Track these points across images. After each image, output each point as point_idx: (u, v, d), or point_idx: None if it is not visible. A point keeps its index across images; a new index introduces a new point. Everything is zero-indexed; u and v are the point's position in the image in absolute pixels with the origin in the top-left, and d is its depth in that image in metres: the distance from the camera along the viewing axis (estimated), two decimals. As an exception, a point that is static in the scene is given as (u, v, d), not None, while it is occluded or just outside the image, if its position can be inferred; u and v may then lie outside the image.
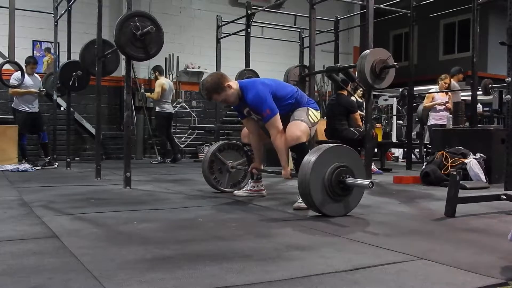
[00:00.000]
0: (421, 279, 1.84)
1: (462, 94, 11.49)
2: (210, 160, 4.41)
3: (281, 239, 2.54)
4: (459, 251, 2.32)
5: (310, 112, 3.83)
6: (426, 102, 8.50)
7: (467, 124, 7.41)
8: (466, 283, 1.81)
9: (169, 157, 9.02)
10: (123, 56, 4.99)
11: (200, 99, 11.02)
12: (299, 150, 3.65)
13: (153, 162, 8.98)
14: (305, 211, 3.36)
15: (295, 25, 10.01)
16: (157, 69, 8.94)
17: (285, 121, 3.77)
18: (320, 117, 4.02)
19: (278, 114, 3.69)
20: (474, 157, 5.37)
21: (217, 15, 8.96)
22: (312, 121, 3.82)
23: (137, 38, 4.62)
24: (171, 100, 9.13)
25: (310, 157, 3.15)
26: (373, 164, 6.17)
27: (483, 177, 5.24)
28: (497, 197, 3.43)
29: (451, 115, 7.72)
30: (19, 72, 6.91)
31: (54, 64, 8.01)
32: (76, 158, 9.54)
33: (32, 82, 7.59)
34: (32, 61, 7.66)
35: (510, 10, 4.66)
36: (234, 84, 3.80)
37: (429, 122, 8.32)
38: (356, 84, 6.77)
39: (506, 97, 4.74)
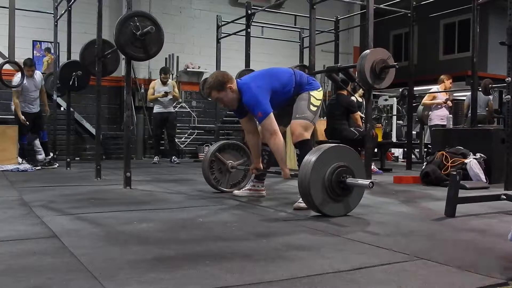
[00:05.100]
0: (421, 279, 1.84)
1: (459, 94, 11.54)
2: (210, 160, 4.41)
3: (281, 239, 2.54)
4: (459, 251, 2.32)
5: (311, 99, 3.83)
6: (426, 99, 8.51)
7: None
8: (466, 283, 1.80)
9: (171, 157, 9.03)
10: (123, 56, 4.99)
11: (200, 99, 11.02)
12: (302, 146, 3.70)
13: (154, 162, 8.97)
14: (305, 211, 3.36)
15: (295, 25, 10.00)
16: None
17: (291, 105, 3.84)
18: (322, 97, 4.01)
19: (271, 115, 3.66)
20: (474, 157, 5.37)
21: (217, 15, 8.96)
22: (315, 107, 3.83)
23: (137, 38, 4.62)
24: None
25: (311, 157, 3.16)
26: (373, 164, 6.17)
27: (483, 177, 5.24)
28: (497, 197, 3.43)
29: (451, 115, 7.74)
30: (19, 74, 6.90)
31: (54, 64, 8.00)
32: (76, 158, 9.53)
33: (34, 87, 7.54)
34: (28, 63, 7.31)
35: (510, 10, 4.66)
36: (235, 86, 3.80)
37: (431, 122, 8.33)
38: (356, 84, 6.76)
39: (506, 97, 4.74)
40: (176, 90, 9.03)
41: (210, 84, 3.79)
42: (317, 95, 3.89)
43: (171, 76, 10.48)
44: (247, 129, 4.07)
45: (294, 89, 3.86)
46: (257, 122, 3.84)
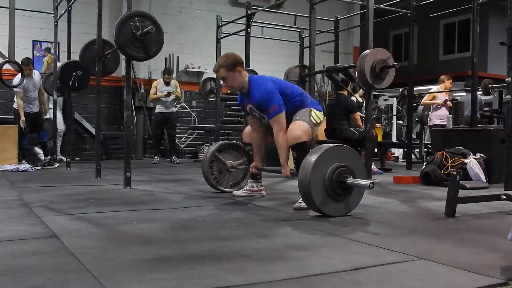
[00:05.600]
0: (421, 279, 1.84)
1: (459, 94, 11.57)
2: (210, 160, 4.41)
3: (281, 239, 2.54)
4: (459, 251, 2.32)
5: (313, 113, 3.84)
6: (426, 99, 8.52)
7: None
8: (466, 283, 1.81)
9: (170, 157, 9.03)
10: (123, 56, 4.99)
11: (200, 99, 11.02)
12: (299, 149, 3.64)
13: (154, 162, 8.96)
14: (305, 211, 3.36)
15: (295, 25, 9.99)
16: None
17: (289, 122, 3.78)
18: (323, 118, 4.03)
19: (284, 111, 3.71)
20: (474, 157, 5.37)
21: (217, 15, 8.97)
22: (314, 122, 3.83)
23: (137, 38, 4.62)
24: None
25: (311, 157, 3.15)
26: (373, 164, 6.17)
27: (483, 177, 5.24)
28: (497, 197, 3.43)
29: (451, 115, 7.74)
30: (19, 75, 6.90)
31: (54, 64, 8.00)
32: (76, 158, 9.54)
33: (33, 87, 7.54)
34: (25, 62, 7.12)
35: (510, 10, 4.66)
36: (245, 75, 3.82)
37: (431, 123, 8.33)
38: (356, 84, 6.77)
39: (506, 97, 4.74)
40: (179, 90, 9.06)
41: (221, 63, 3.80)
42: (318, 114, 3.89)
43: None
44: (253, 127, 4.08)
45: (296, 107, 3.87)
46: (267, 118, 3.80)
